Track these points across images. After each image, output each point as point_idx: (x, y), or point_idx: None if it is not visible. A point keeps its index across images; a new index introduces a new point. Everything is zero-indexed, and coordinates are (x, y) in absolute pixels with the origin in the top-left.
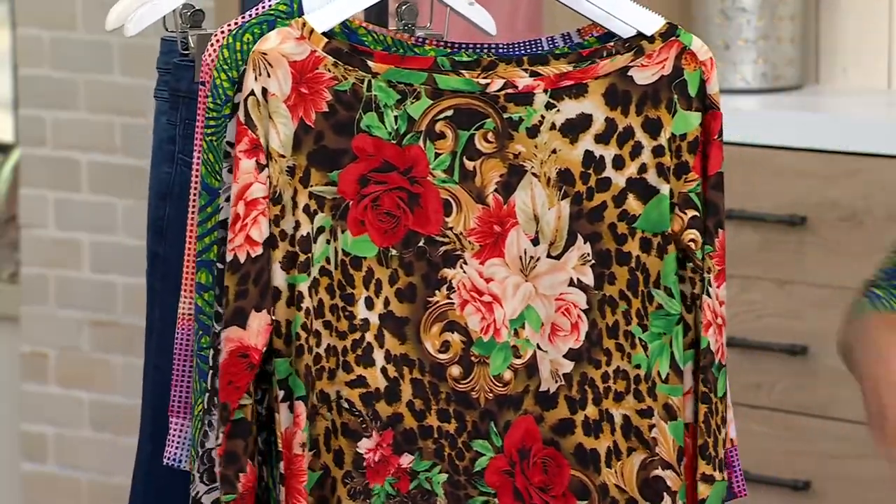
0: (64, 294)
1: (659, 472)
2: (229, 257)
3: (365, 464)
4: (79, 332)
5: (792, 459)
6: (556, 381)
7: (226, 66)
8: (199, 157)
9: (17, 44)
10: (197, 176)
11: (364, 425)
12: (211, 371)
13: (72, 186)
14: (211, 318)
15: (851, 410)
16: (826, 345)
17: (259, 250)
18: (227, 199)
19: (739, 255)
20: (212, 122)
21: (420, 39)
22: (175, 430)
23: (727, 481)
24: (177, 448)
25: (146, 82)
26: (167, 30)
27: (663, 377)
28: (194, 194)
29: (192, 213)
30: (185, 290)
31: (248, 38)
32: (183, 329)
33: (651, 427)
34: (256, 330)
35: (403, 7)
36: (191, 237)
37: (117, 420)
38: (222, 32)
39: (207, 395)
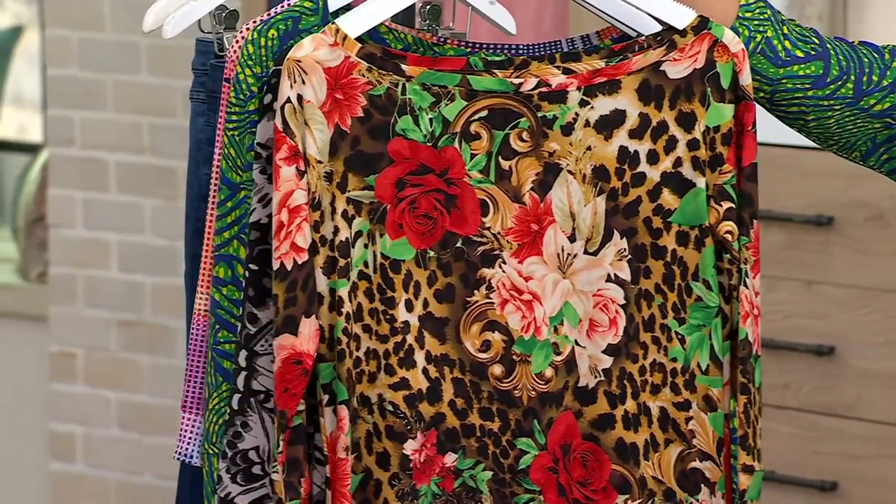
0: (92, 294)
1: (697, 463)
2: (276, 265)
3: (411, 465)
4: (107, 332)
5: (818, 460)
6: (595, 377)
7: (250, 62)
8: (220, 152)
9: (45, 44)
10: (217, 171)
11: (409, 427)
12: (245, 372)
13: (100, 186)
14: (230, 313)
15: (878, 411)
16: (853, 345)
17: (305, 256)
18: (260, 201)
19: (766, 255)
20: (234, 117)
21: (441, 38)
22: (187, 425)
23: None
24: (188, 444)
25: (174, 82)
26: (202, 31)
27: (703, 369)
28: (214, 189)
29: (212, 208)
30: (202, 287)
31: (272, 34)
32: (198, 326)
33: (688, 419)
34: (308, 336)
35: (427, 7)
36: (209, 233)
37: (145, 419)
38: (248, 29)
39: (239, 396)
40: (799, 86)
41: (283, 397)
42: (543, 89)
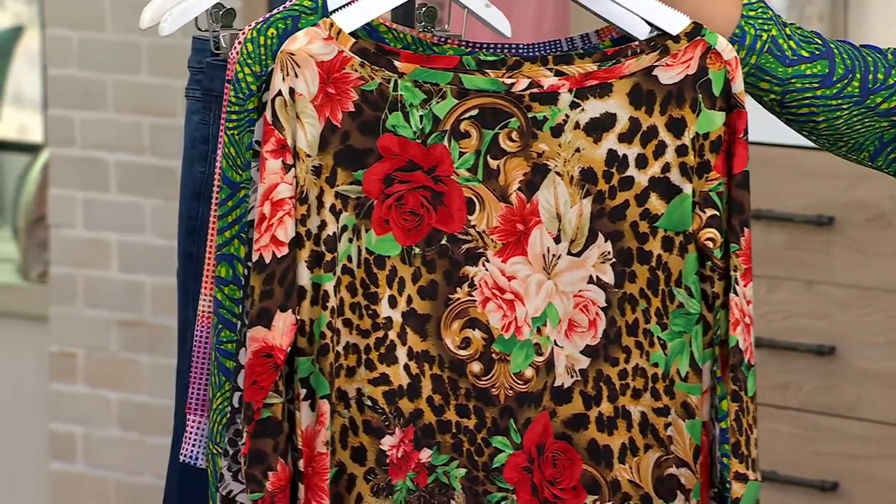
0: (92, 294)
1: (673, 470)
2: (255, 257)
3: (388, 460)
4: (107, 332)
5: (819, 460)
6: (572, 377)
7: (249, 61)
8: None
9: (45, 44)
10: (219, 170)
11: (387, 422)
12: (243, 370)
13: (100, 186)
14: (232, 312)
15: (879, 411)
16: (854, 345)
17: (285, 250)
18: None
19: (767, 256)
20: (233, 116)
21: (442, 38)
22: (192, 427)
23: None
24: (194, 445)
25: (174, 82)
26: (199, 29)
27: (682, 375)
28: (217, 189)
29: (215, 207)
30: (206, 288)
31: (272, 33)
32: (203, 326)
33: (667, 426)
34: (282, 330)
35: (422, 10)
36: (212, 233)
37: (145, 419)
38: (249, 29)
39: (239, 394)
40: (808, 85)
41: (251, 389)
42: (535, 90)
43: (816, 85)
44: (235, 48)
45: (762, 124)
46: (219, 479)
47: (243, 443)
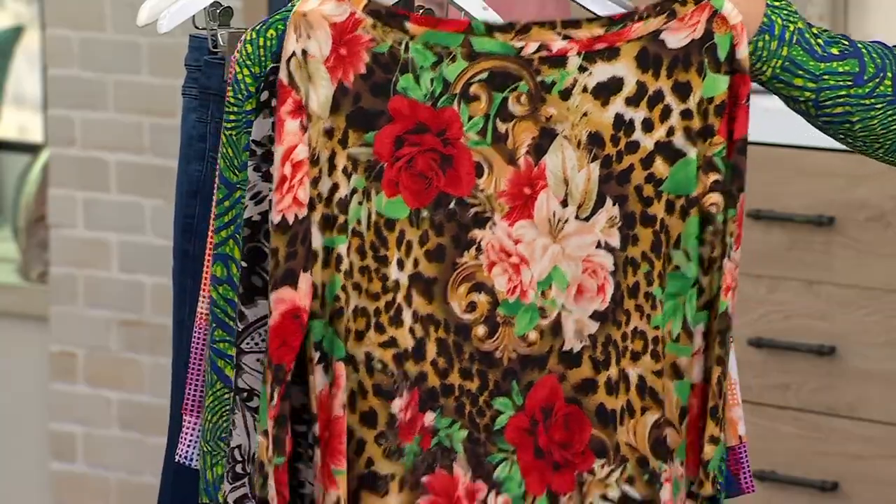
0: (92, 294)
1: (669, 430)
2: (277, 219)
3: (398, 423)
4: (107, 332)
5: (820, 460)
6: (581, 342)
7: (248, 62)
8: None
9: (46, 44)
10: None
11: (396, 385)
12: (235, 370)
13: (100, 186)
14: (226, 312)
15: (880, 411)
16: (854, 345)
17: (305, 211)
18: (252, 198)
19: (768, 255)
20: (231, 117)
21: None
22: (188, 428)
23: (736, 477)
24: (188, 446)
25: (175, 82)
26: (196, 27)
27: (674, 337)
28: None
29: (215, 208)
30: (205, 290)
31: (271, 34)
32: (200, 329)
33: (664, 387)
34: (305, 290)
35: (420, 11)
36: (211, 234)
37: (145, 419)
38: (250, 30)
39: (233, 393)
40: (841, 83)
41: (280, 350)
42: (544, 53)
43: (850, 83)
44: (238, 50)
45: (762, 124)
46: (220, 479)
47: (274, 405)
